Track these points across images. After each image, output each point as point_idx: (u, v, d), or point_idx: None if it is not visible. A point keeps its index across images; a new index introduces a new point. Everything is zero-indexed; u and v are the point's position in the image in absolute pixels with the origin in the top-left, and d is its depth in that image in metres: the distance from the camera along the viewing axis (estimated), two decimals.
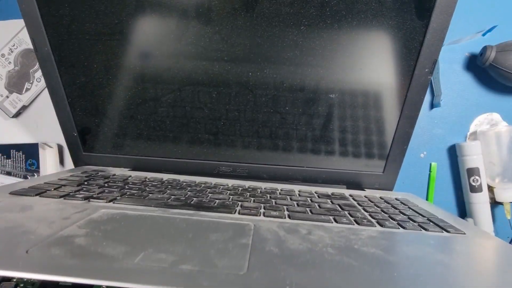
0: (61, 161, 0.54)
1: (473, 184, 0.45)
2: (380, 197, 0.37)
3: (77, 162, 0.44)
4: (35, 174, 0.52)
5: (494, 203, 0.46)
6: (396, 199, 0.37)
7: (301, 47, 0.36)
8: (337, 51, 0.36)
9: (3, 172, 0.52)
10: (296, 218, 0.27)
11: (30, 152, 0.52)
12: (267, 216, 0.27)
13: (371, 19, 0.34)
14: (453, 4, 0.33)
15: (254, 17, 0.35)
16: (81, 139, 0.43)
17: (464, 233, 0.27)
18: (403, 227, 0.27)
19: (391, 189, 0.42)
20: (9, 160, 0.52)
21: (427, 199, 0.49)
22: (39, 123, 0.53)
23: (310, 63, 0.37)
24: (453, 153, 0.49)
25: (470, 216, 0.46)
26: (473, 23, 0.46)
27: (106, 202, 0.27)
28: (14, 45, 0.51)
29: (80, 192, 0.29)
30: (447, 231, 0.27)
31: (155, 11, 0.36)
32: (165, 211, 0.26)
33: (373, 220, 0.28)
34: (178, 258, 0.18)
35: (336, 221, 0.27)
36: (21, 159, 0.52)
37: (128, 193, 0.30)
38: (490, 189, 0.46)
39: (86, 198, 0.28)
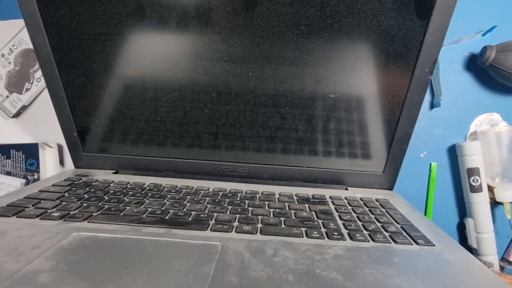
0: (61, 161, 0.54)
1: (473, 184, 0.45)
2: (361, 199, 0.38)
3: (77, 162, 0.44)
4: (35, 174, 0.52)
5: (494, 203, 0.46)
6: (376, 200, 0.37)
7: (301, 47, 0.36)
8: (337, 51, 0.36)
9: (3, 172, 0.52)
10: (267, 233, 0.27)
11: (30, 152, 0.52)
12: (239, 232, 0.27)
13: (371, 19, 0.34)
14: (453, 4, 0.33)
15: (254, 17, 0.35)
16: (81, 139, 0.43)
17: (434, 245, 0.27)
18: (373, 239, 0.27)
19: (391, 189, 0.42)
20: (9, 160, 0.52)
21: (427, 199, 0.49)
22: (39, 123, 0.53)
23: (310, 63, 0.37)
24: (453, 153, 0.49)
25: (470, 216, 0.46)
26: (473, 23, 0.46)
27: (81, 221, 0.28)
28: (14, 45, 0.51)
29: (57, 209, 0.30)
30: (417, 243, 0.27)
31: (155, 11, 0.36)
32: (137, 230, 0.27)
33: (344, 232, 0.28)
34: None
35: (307, 234, 0.28)
36: (21, 159, 0.52)
37: (105, 206, 0.31)
38: (490, 189, 0.46)
39: (62, 217, 0.28)
